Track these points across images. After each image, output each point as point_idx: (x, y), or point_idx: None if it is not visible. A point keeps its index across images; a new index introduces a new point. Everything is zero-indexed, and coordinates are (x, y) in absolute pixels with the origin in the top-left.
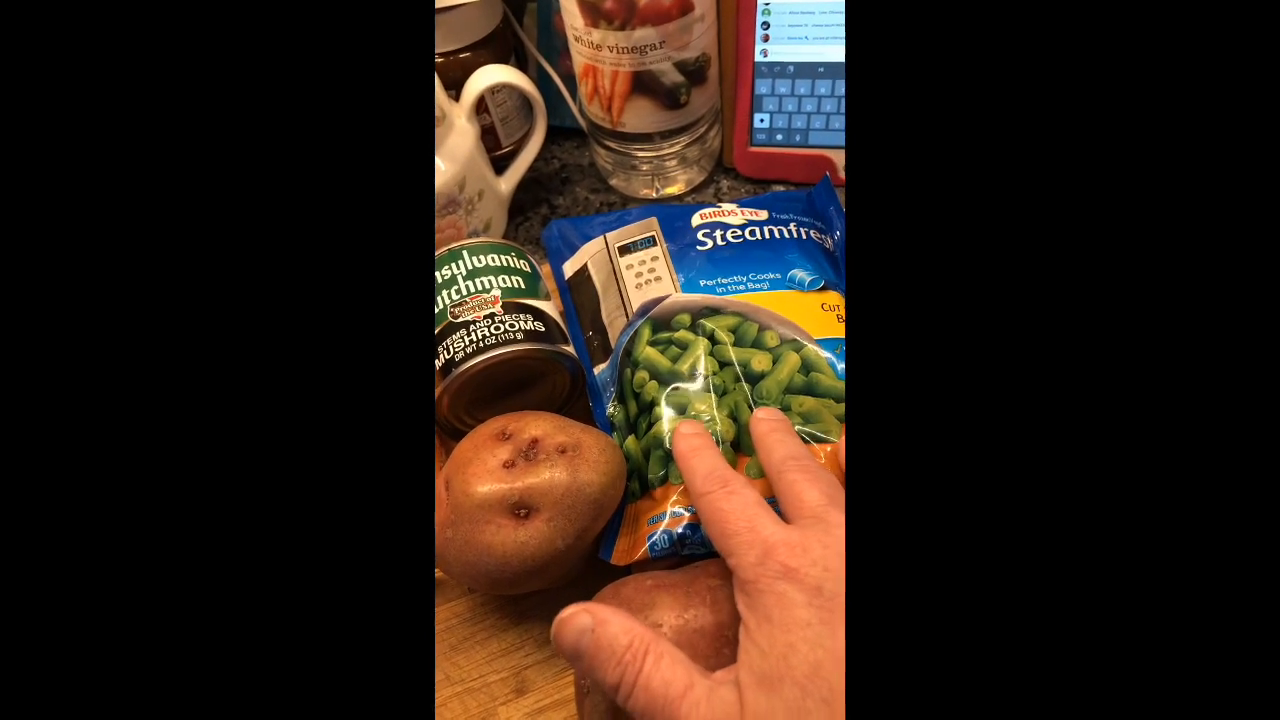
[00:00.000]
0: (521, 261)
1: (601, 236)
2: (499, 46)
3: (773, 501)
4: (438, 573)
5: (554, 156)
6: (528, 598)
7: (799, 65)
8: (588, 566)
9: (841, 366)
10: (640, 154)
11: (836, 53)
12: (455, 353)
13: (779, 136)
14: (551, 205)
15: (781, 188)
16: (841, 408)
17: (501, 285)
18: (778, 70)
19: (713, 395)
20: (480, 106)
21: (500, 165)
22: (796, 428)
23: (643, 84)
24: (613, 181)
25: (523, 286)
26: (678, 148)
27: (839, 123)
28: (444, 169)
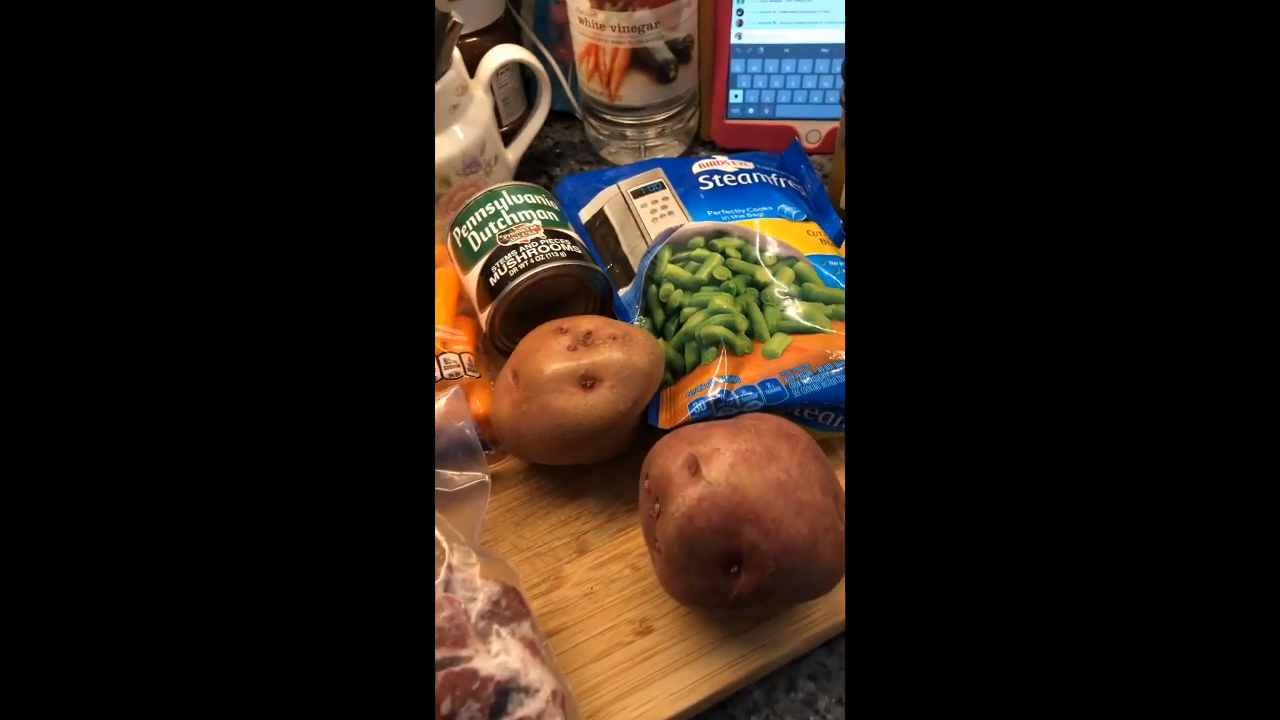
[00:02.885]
0: (551, 200)
1: (614, 185)
2: (503, 33)
3: (776, 385)
4: (493, 467)
5: (548, 136)
6: (578, 478)
7: (769, 46)
8: (633, 442)
9: (828, 274)
10: (630, 127)
11: (801, 35)
12: (509, 270)
13: (750, 110)
14: (550, 176)
15: None
16: (830, 309)
17: (540, 217)
18: (750, 51)
19: (729, 295)
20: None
21: (504, 141)
22: (797, 323)
23: (639, 60)
24: (603, 153)
25: (556, 219)
26: (663, 121)
27: (801, 97)
28: (468, 134)
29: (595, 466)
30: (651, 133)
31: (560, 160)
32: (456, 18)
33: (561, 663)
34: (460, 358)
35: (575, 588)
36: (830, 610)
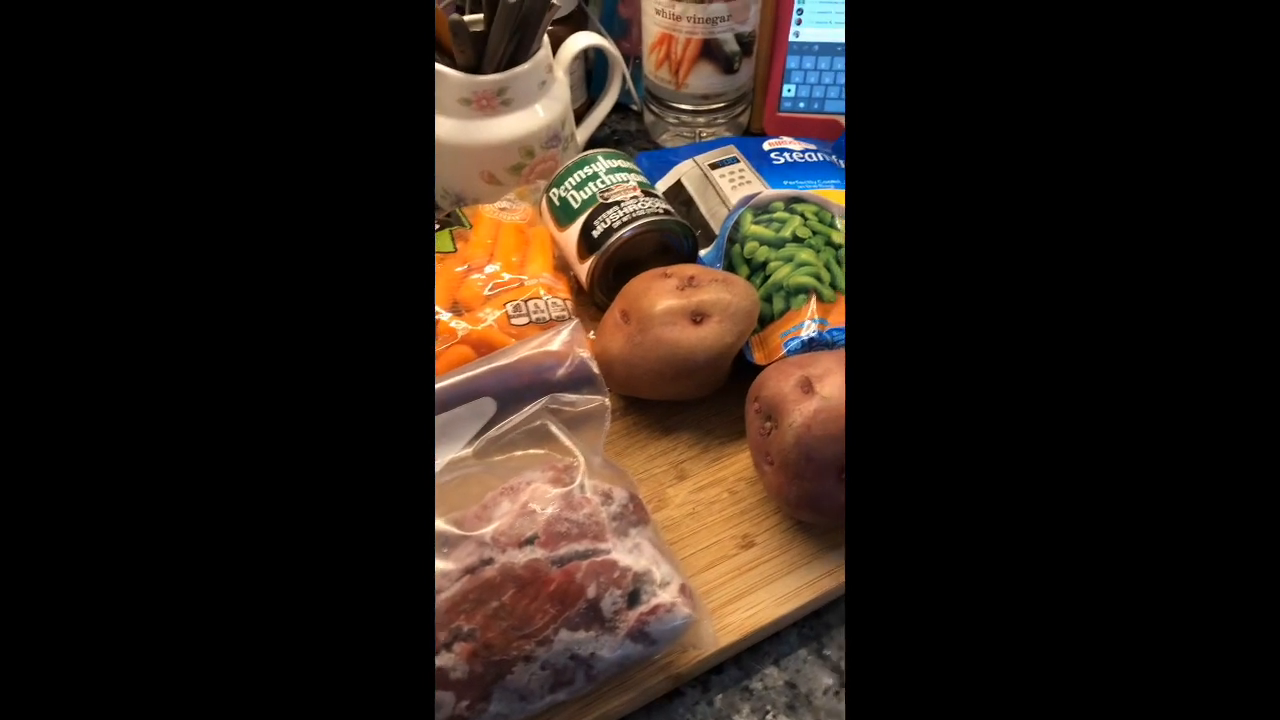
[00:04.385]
0: (639, 166)
1: (690, 159)
2: (576, 24)
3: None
4: (608, 399)
5: (605, 124)
6: (671, 415)
7: (823, 45)
8: (727, 381)
9: None
10: (687, 114)
11: None
12: (611, 223)
13: (800, 104)
14: None
15: None
16: None
17: (636, 179)
18: (805, 48)
19: (811, 250)
20: None
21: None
22: None
23: (708, 50)
24: (660, 140)
25: (648, 183)
26: (719, 111)
27: None
28: (552, 110)
29: (687, 404)
30: (703, 120)
31: (619, 147)
32: (555, 0)
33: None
34: (565, 302)
35: (679, 508)
36: None
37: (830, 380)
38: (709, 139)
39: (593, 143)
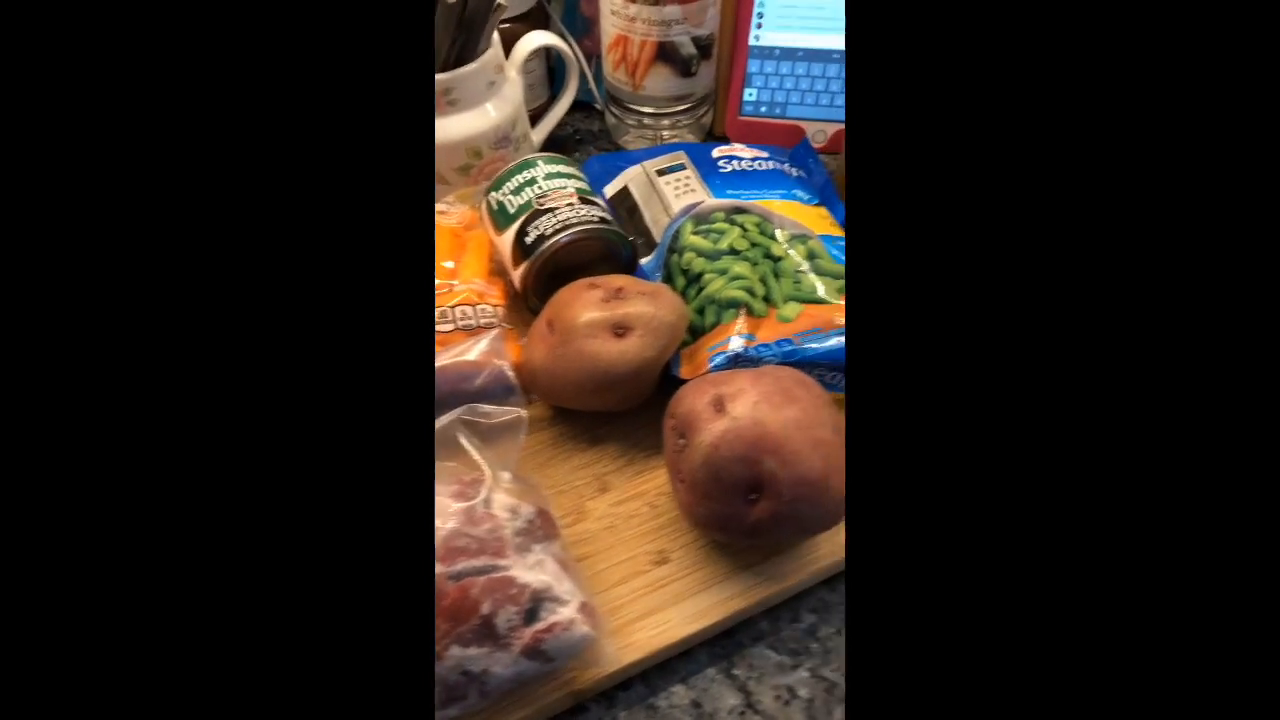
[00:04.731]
0: (581, 172)
1: (639, 164)
2: (533, 22)
3: (790, 344)
4: (525, 410)
5: (568, 123)
6: (600, 425)
7: (784, 49)
8: (652, 393)
9: (836, 252)
10: (648, 116)
11: (816, 40)
12: (544, 230)
13: (763, 109)
14: None
15: None
16: (838, 283)
17: (574, 185)
18: (766, 52)
19: (748, 264)
20: None
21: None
22: (809, 294)
23: (664, 53)
24: (621, 141)
25: (588, 189)
26: (680, 114)
27: (811, 99)
28: (502, 111)
29: (616, 415)
30: (666, 123)
31: (579, 146)
32: (502, 0)
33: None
34: (495, 309)
35: (597, 521)
36: (832, 549)
37: (741, 400)
38: (672, 141)
39: (553, 142)
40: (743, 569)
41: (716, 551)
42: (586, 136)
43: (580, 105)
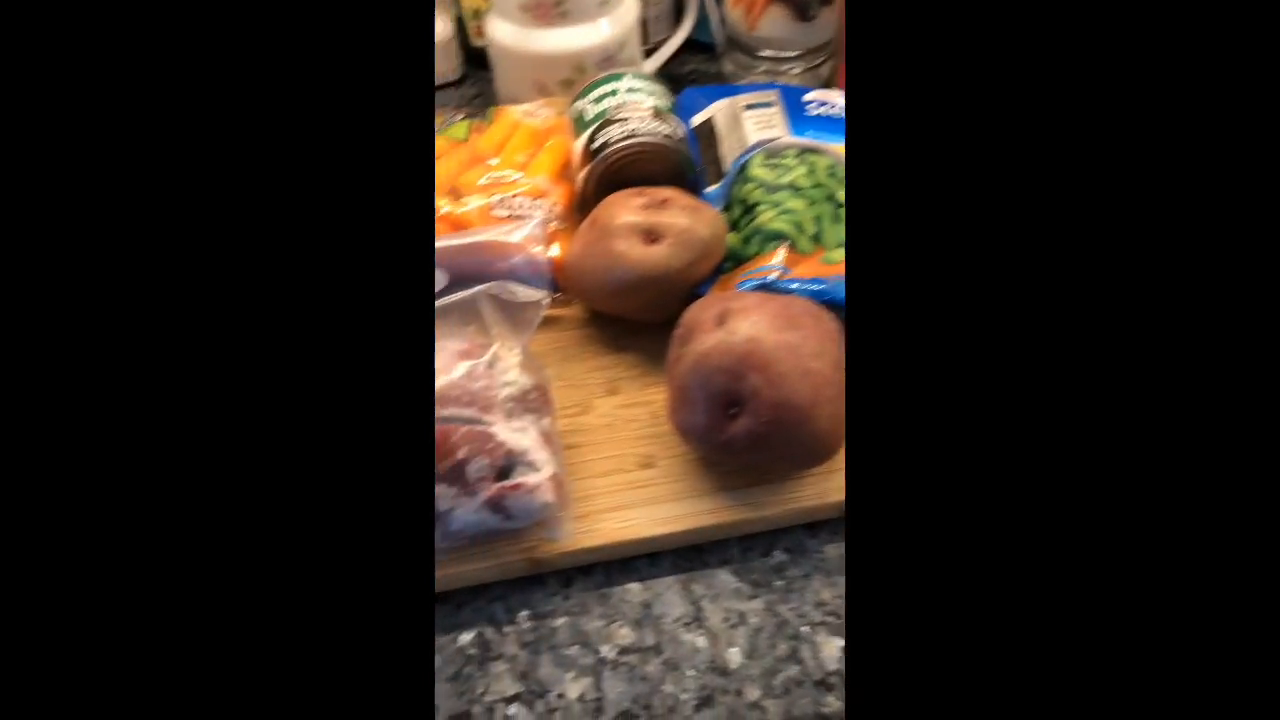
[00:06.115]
0: (667, 94)
1: (729, 98)
2: None
3: (823, 283)
4: (557, 311)
5: (687, 62)
6: (626, 335)
7: None
8: (680, 311)
9: None
10: (766, 61)
11: None
12: (610, 137)
13: None
14: None
15: None
16: None
17: (653, 101)
18: None
19: (804, 200)
20: None
21: (645, 57)
22: None
23: None
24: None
25: (667, 108)
26: (797, 59)
27: None
28: (611, 29)
29: (644, 328)
30: (782, 69)
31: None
32: None
33: (569, 470)
34: (552, 206)
35: (599, 418)
36: (818, 493)
37: (744, 317)
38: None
39: (668, 80)
40: (722, 489)
41: (702, 468)
42: (703, 79)
43: (704, 47)
